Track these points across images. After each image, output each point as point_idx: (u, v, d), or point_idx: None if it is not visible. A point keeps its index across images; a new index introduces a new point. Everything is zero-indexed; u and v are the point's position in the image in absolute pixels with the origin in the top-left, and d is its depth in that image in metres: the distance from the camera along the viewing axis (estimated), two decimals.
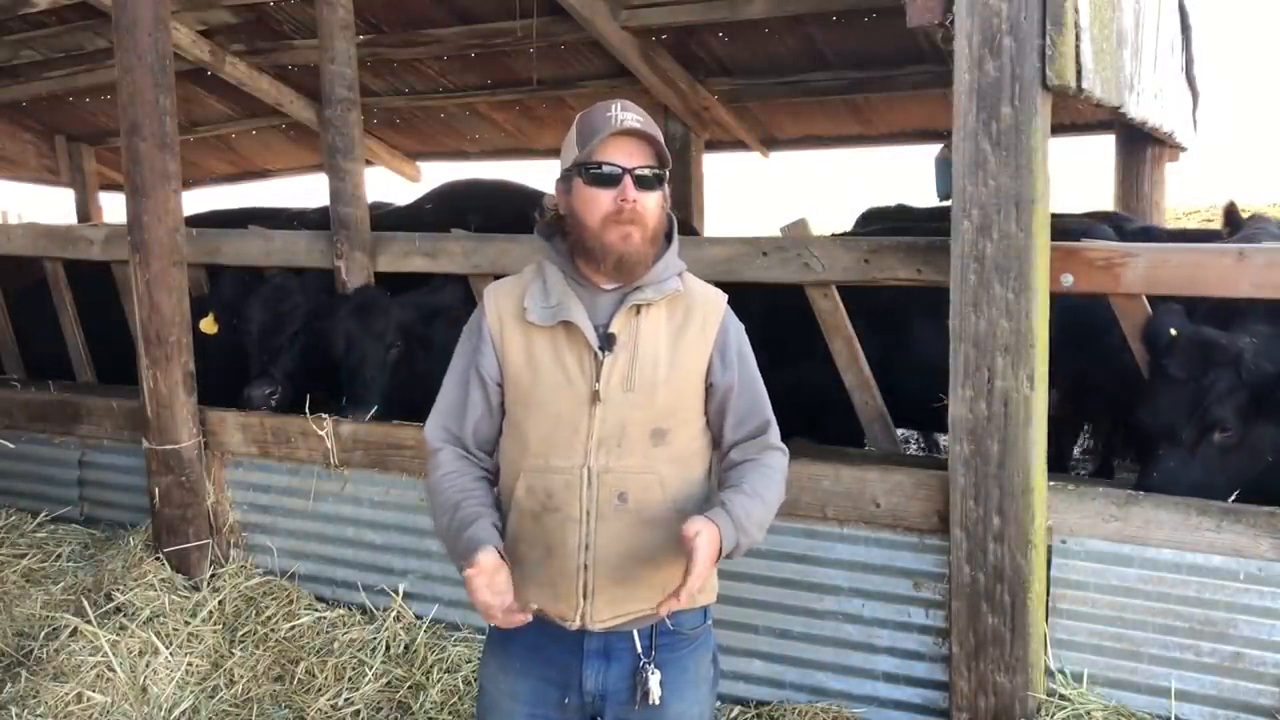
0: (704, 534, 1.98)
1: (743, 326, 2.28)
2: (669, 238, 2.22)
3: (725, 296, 2.28)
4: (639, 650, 2.16)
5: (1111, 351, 3.63)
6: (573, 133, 2.15)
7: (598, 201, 2.08)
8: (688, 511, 2.14)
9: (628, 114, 2.09)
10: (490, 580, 1.98)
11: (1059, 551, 3.04)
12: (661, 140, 2.13)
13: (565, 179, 2.16)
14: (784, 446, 2.27)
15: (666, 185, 2.16)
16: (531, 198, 5.72)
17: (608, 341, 2.12)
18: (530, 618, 2.04)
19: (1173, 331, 3.19)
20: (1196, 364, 3.12)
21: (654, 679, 2.13)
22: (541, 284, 2.17)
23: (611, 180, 2.07)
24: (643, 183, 2.09)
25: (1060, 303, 3.13)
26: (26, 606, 4.12)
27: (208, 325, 4.49)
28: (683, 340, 2.17)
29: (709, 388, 2.21)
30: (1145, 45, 3.91)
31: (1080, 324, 3.73)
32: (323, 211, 5.74)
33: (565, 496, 2.11)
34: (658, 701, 2.13)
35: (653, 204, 2.11)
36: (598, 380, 2.10)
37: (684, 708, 2.19)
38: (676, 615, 2.19)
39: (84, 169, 8.71)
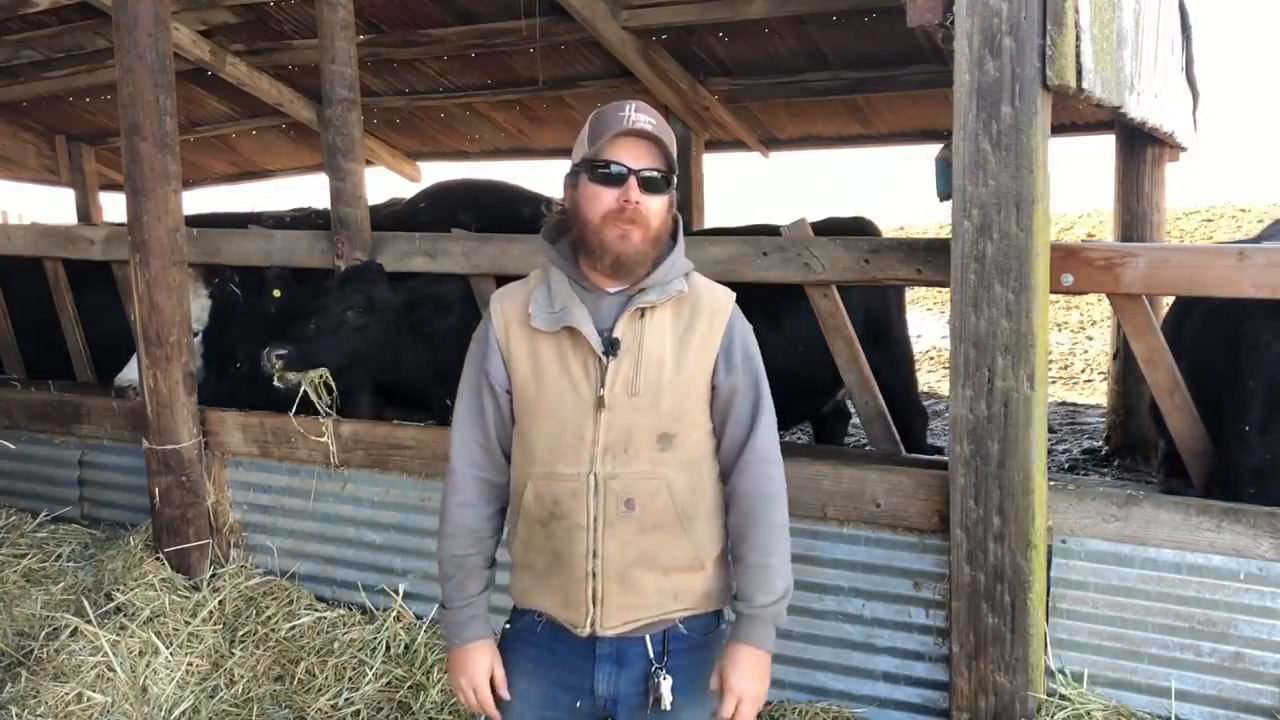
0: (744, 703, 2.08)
1: (750, 327, 2.25)
2: (674, 239, 2.20)
3: (733, 296, 2.24)
4: (651, 656, 2.14)
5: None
6: (585, 130, 2.14)
7: (601, 199, 2.07)
8: (696, 517, 2.13)
9: (641, 115, 2.08)
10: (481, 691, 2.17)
11: (1059, 551, 3.04)
12: (672, 144, 2.12)
13: (573, 175, 2.15)
14: (779, 457, 2.22)
15: (673, 190, 2.15)
16: (524, 197, 5.69)
17: (611, 346, 2.09)
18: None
19: None
20: None
21: (665, 685, 2.11)
22: (546, 289, 2.16)
23: (617, 179, 2.06)
24: (648, 185, 2.07)
25: None
26: (26, 606, 4.12)
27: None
28: (688, 342, 2.14)
29: (713, 389, 2.18)
30: (1145, 45, 3.91)
31: None
32: (307, 214, 5.76)
33: (572, 504, 2.09)
34: (669, 707, 2.11)
35: (656, 206, 2.09)
36: (602, 386, 2.08)
37: (695, 713, 2.17)
38: (689, 620, 2.18)
39: (84, 169, 8.72)
